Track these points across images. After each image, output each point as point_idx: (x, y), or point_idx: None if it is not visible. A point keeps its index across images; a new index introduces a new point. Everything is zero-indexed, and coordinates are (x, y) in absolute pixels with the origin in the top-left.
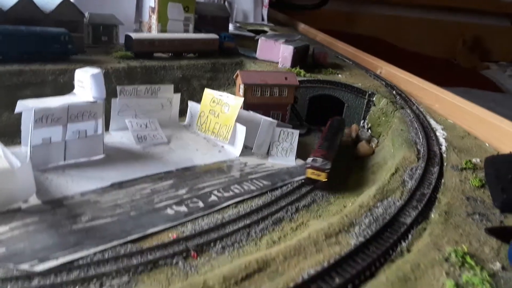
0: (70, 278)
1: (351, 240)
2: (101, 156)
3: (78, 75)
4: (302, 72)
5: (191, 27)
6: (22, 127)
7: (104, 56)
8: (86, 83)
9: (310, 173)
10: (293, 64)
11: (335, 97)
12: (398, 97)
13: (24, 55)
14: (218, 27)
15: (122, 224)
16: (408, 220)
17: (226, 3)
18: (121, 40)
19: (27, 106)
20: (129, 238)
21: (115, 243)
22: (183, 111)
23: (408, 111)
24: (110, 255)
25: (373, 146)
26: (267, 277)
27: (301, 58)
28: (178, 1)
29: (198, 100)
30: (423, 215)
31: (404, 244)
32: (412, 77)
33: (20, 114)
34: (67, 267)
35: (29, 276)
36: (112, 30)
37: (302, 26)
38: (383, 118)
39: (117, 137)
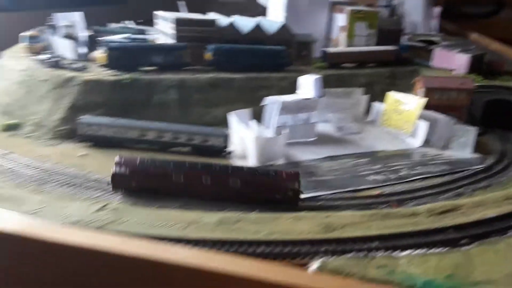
0: (316, 205)
1: None
2: (314, 138)
3: (301, 79)
4: (478, 78)
5: (372, 40)
6: (266, 115)
7: (306, 67)
8: (308, 85)
9: None
10: (469, 72)
11: None
12: None
13: (257, 66)
14: (393, 39)
15: (340, 181)
16: None
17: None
18: (315, 53)
19: (272, 100)
20: (347, 189)
21: (339, 190)
22: (366, 110)
23: None
24: (337, 196)
25: None
26: (460, 214)
27: (476, 66)
28: (364, 20)
29: (379, 101)
30: None
31: None
32: None
33: (261, 107)
34: (314, 199)
35: None
36: (310, 46)
37: (473, 35)
38: None
39: (321, 126)
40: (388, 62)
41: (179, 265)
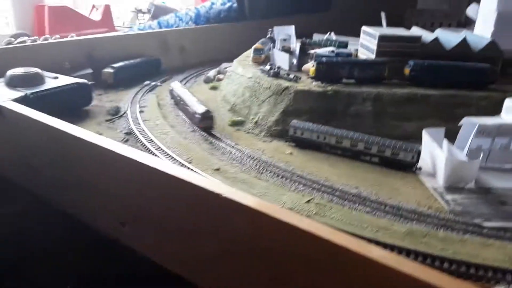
0: (505, 235)
1: None
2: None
3: (508, 102)
4: None
5: None
6: (461, 135)
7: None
8: None
9: None
10: None
11: None
12: None
13: (457, 83)
14: None
15: None
16: None
17: None
18: None
19: (471, 121)
20: None
21: None
22: None
23: None
24: None
25: None
26: None
27: None
28: None
29: None
30: None
31: None
32: None
33: (456, 125)
34: (501, 230)
35: (480, 226)
36: None
37: None
38: None
39: None
40: None
41: (373, 261)
